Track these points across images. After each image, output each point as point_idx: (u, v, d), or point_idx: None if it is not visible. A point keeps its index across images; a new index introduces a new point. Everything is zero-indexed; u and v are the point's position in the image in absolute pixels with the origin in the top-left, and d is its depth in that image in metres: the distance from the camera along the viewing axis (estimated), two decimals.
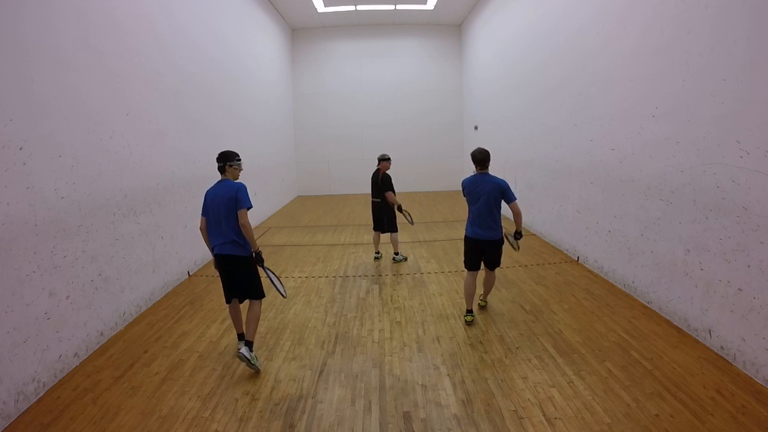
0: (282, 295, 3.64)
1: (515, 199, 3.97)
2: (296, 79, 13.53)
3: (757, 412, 2.71)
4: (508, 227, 4.25)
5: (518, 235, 4.09)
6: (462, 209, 10.58)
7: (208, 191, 3.49)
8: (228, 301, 3.62)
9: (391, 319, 4.32)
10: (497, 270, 4.43)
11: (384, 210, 5.94)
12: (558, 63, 6.54)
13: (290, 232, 8.57)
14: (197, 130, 6.24)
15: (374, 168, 6.20)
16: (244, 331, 3.52)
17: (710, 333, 3.53)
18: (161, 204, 5.08)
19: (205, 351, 3.74)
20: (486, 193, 3.92)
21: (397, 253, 6.23)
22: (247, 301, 3.57)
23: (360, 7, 11.66)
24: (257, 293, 3.52)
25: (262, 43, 10.21)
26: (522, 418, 2.75)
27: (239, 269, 3.44)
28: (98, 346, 3.85)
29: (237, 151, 3.57)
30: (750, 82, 3.10)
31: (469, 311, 4.14)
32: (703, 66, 3.56)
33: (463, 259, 4.30)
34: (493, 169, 9.31)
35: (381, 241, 6.37)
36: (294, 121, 13.61)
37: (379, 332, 4.05)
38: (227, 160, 3.48)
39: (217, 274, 3.59)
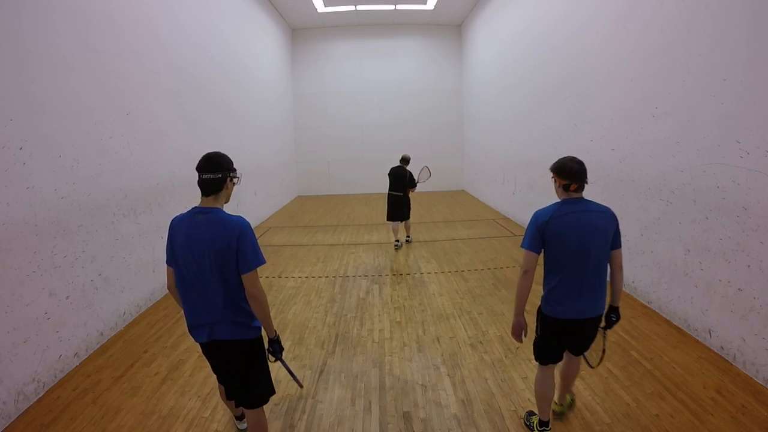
0: (299, 385, 2.62)
1: (620, 245, 2.36)
2: (296, 79, 13.53)
3: (757, 412, 2.71)
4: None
5: (615, 315, 2.44)
6: (463, 209, 10.56)
7: (178, 224, 2.10)
8: (231, 398, 2.35)
9: (391, 319, 4.32)
10: None
11: (405, 202, 6.91)
12: (558, 63, 6.54)
13: (290, 232, 8.57)
14: (197, 130, 6.24)
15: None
16: None
17: (710, 333, 3.53)
18: (161, 204, 5.08)
19: None
20: (598, 235, 2.25)
21: (408, 236, 7.40)
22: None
23: (360, 7, 11.66)
24: (264, 396, 2.24)
25: (262, 43, 10.21)
26: (522, 418, 2.75)
27: (240, 359, 2.16)
28: (98, 346, 3.85)
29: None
30: (750, 82, 3.10)
31: (545, 423, 2.53)
32: (703, 66, 3.56)
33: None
34: (494, 170, 9.46)
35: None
36: (294, 121, 13.60)
37: (379, 332, 4.05)
38: (229, 169, 2.11)
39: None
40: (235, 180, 2.16)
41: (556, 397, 2.68)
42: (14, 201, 3.00)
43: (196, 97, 6.26)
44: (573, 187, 2.29)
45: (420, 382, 3.20)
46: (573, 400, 2.83)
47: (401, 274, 5.71)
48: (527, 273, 2.32)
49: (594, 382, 3.11)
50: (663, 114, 4.08)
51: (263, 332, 2.20)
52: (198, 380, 3.29)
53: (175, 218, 2.15)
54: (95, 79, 3.99)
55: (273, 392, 2.31)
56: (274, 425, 2.76)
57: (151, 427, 2.77)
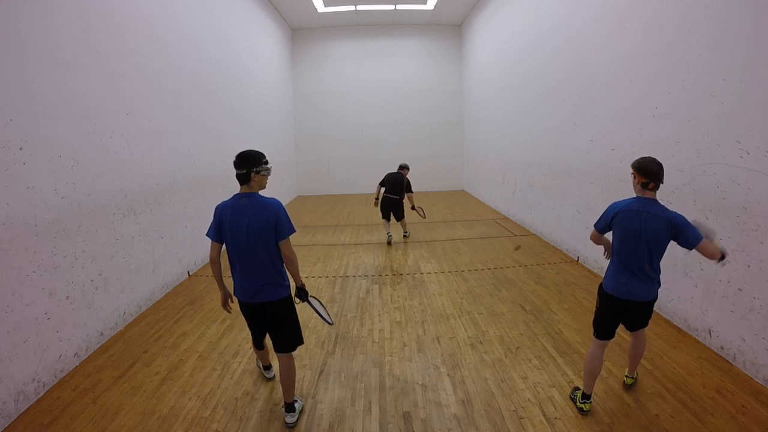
0: (328, 322, 2.90)
1: (700, 238, 2.43)
2: (296, 79, 13.53)
3: (757, 412, 2.71)
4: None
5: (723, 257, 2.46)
6: (463, 209, 10.57)
7: (224, 209, 2.62)
8: (261, 347, 3.08)
9: (391, 319, 4.32)
10: None
11: (399, 205, 7.35)
12: (558, 63, 6.54)
13: None
14: (197, 130, 6.24)
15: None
16: (283, 394, 2.81)
17: (710, 333, 3.53)
18: (161, 204, 5.08)
19: (205, 351, 3.74)
20: (652, 232, 2.52)
21: (406, 232, 7.79)
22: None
23: (360, 7, 11.66)
24: (294, 341, 2.80)
25: (262, 43, 10.20)
26: (522, 418, 2.75)
27: (277, 314, 2.72)
28: (98, 346, 3.85)
29: (236, 151, 2.65)
30: (750, 82, 3.10)
31: (587, 396, 2.79)
32: (703, 66, 3.56)
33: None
34: (494, 170, 9.41)
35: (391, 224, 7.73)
36: (294, 121, 13.61)
37: (379, 332, 4.05)
38: (252, 165, 2.58)
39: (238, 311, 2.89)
40: (263, 172, 2.64)
41: (627, 371, 3.07)
42: (14, 201, 3.00)
43: (196, 97, 6.26)
44: (651, 185, 2.56)
45: (420, 382, 3.20)
46: (633, 380, 3.07)
47: (401, 274, 5.71)
48: (592, 240, 2.95)
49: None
50: (663, 114, 4.08)
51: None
52: (198, 380, 3.29)
53: (219, 205, 2.67)
54: (95, 79, 3.99)
55: (302, 342, 2.85)
56: (274, 425, 2.77)
57: (151, 427, 2.77)
